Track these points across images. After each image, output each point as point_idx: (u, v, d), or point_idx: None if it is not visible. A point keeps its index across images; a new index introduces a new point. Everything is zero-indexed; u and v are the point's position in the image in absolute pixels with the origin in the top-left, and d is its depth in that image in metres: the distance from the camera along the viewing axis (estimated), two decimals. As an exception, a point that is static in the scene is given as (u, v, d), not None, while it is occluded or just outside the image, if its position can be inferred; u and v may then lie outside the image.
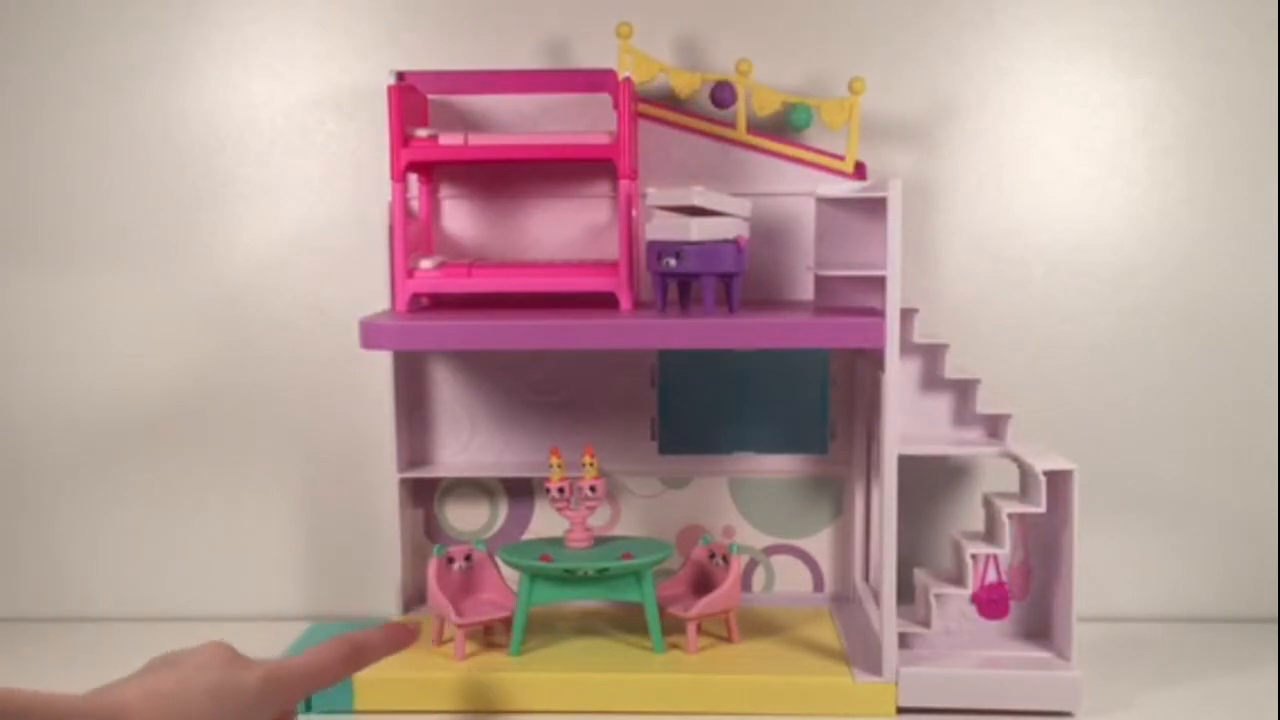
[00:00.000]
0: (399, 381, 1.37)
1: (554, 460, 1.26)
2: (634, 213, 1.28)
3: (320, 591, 1.49)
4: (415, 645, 1.26)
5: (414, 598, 1.41)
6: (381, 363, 1.37)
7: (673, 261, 1.19)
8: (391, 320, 1.21)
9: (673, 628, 1.27)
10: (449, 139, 1.26)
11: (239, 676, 0.89)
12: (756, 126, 1.35)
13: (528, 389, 1.42)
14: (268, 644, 1.35)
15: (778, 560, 1.43)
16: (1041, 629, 1.26)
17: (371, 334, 1.20)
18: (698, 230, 1.18)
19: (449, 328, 1.20)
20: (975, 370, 1.25)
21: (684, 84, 1.34)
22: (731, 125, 1.34)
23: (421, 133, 1.27)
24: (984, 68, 1.39)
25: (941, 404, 1.25)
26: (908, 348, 1.21)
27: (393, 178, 1.26)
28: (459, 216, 1.39)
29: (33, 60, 1.43)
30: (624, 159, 1.25)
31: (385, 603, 1.42)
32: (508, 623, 1.26)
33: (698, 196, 1.18)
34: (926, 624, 1.23)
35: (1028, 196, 1.41)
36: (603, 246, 1.38)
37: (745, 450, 1.41)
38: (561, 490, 1.25)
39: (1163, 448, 1.43)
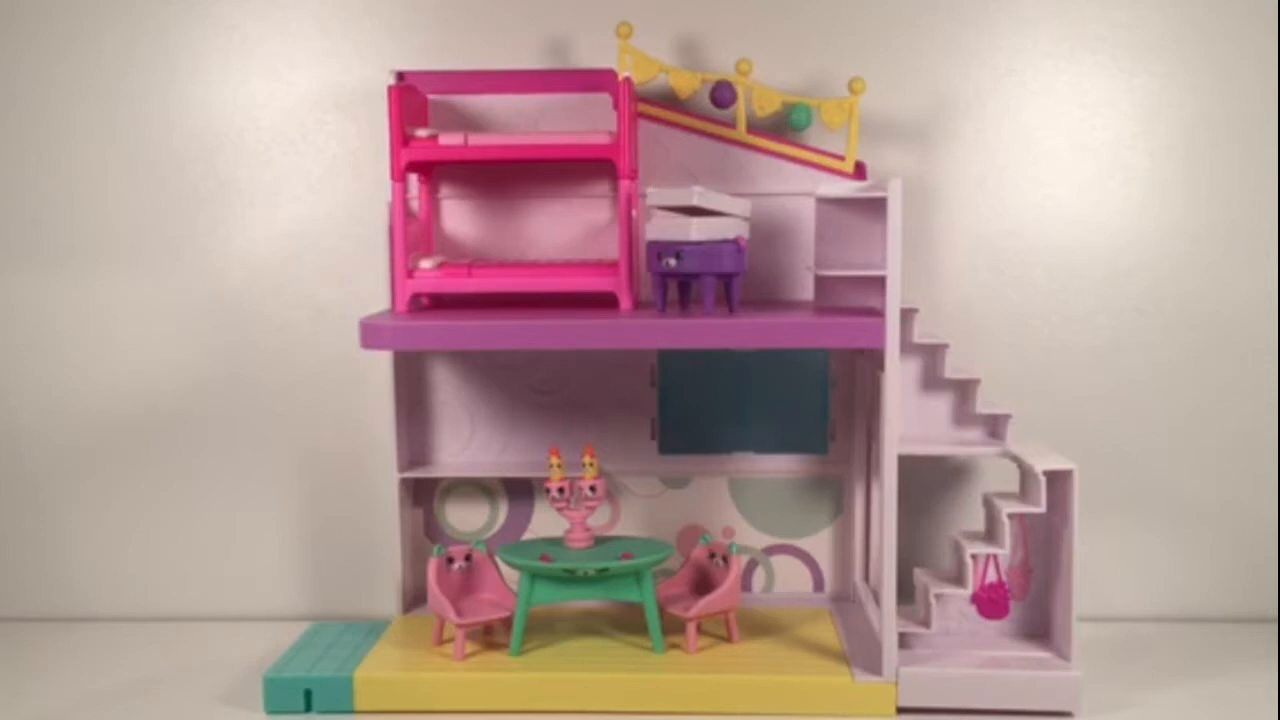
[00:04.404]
0: (399, 381, 1.37)
1: (554, 460, 1.26)
2: (634, 213, 1.28)
3: (320, 591, 1.49)
4: (415, 645, 1.27)
5: (414, 598, 1.41)
6: (381, 363, 1.37)
7: (673, 261, 1.19)
8: (391, 320, 1.21)
9: (673, 628, 1.27)
10: (449, 139, 1.26)
11: None
12: (756, 126, 1.35)
13: (528, 389, 1.42)
14: (268, 644, 1.36)
15: (778, 560, 1.43)
16: (1041, 629, 1.26)
17: (371, 334, 1.20)
18: (698, 230, 1.18)
19: (449, 328, 1.20)
20: (975, 370, 1.25)
21: (684, 84, 1.34)
22: (731, 125, 1.34)
23: (421, 133, 1.27)
24: (984, 68, 1.40)
25: (941, 404, 1.25)
26: (908, 348, 1.21)
27: (393, 178, 1.26)
28: (459, 216, 1.39)
29: (33, 60, 1.43)
30: (624, 159, 1.25)
31: (385, 603, 1.42)
32: (508, 623, 1.26)
33: (697, 196, 1.18)
34: (926, 624, 1.23)
35: (1028, 196, 1.41)
36: (603, 246, 1.38)
37: (745, 450, 1.41)
38: (561, 490, 1.25)
39: (1163, 448, 1.43)
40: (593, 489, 1.26)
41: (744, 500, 1.42)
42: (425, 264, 1.28)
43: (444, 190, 1.39)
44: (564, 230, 1.38)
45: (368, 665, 1.22)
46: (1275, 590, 1.44)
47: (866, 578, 1.40)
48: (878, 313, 1.16)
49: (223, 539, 1.49)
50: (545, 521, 1.43)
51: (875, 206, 1.18)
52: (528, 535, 1.44)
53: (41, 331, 1.47)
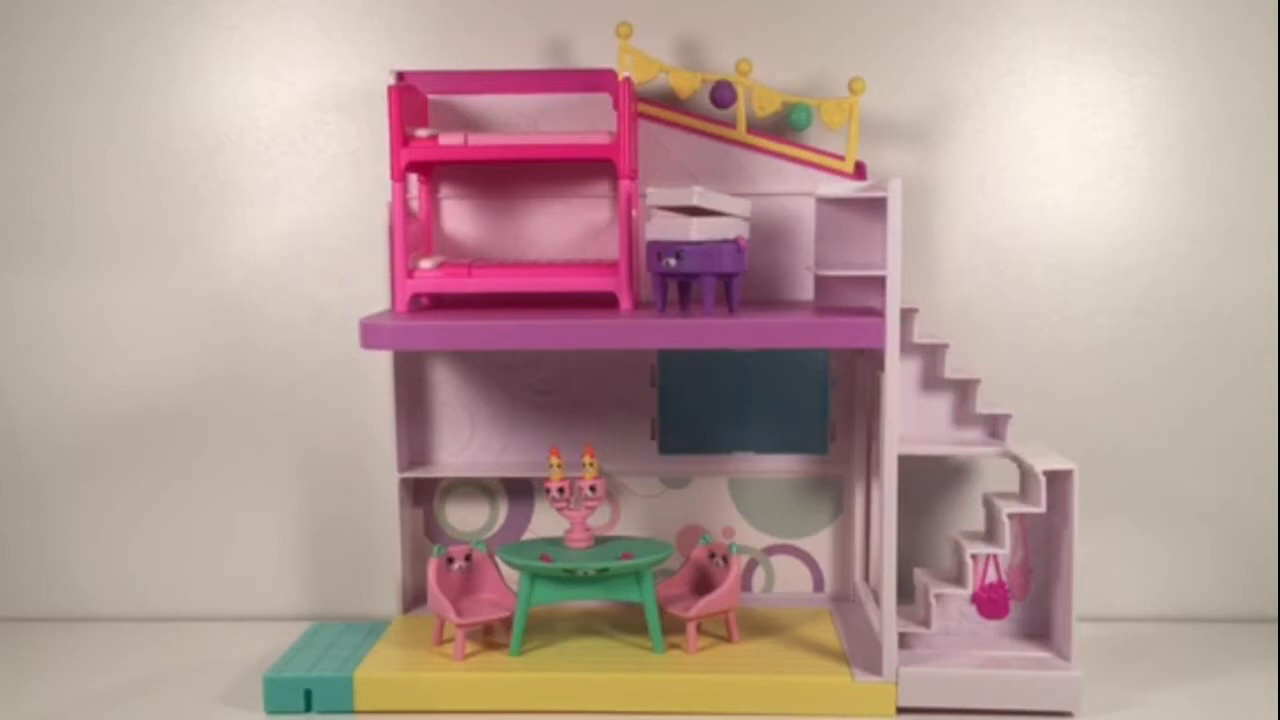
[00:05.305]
0: (399, 381, 1.37)
1: (554, 460, 1.26)
2: (634, 213, 1.28)
3: (320, 591, 1.49)
4: (415, 645, 1.27)
5: (414, 598, 1.41)
6: (381, 363, 1.37)
7: (673, 261, 1.19)
8: (391, 320, 1.21)
9: (673, 628, 1.27)
10: (449, 139, 1.26)
11: None
12: (756, 126, 1.35)
13: (528, 389, 1.42)
14: (268, 644, 1.36)
15: (778, 560, 1.43)
16: (1041, 629, 1.26)
17: (371, 334, 1.20)
18: (698, 230, 1.18)
19: (449, 328, 1.20)
20: (975, 370, 1.25)
21: (684, 84, 1.34)
22: (731, 125, 1.34)
23: (421, 133, 1.27)
24: (984, 68, 1.39)
25: (941, 404, 1.25)
26: (908, 348, 1.21)
27: (393, 178, 1.26)
28: (459, 216, 1.39)
29: (33, 60, 1.43)
30: (624, 159, 1.25)
31: (385, 603, 1.42)
32: (508, 623, 1.26)
33: (697, 196, 1.18)
34: (926, 624, 1.23)
35: (1028, 196, 1.41)
36: (603, 246, 1.38)
37: (745, 450, 1.41)
38: (561, 490, 1.25)
39: (1163, 448, 1.43)
40: (593, 489, 1.26)
41: (744, 500, 1.42)
42: (425, 264, 1.28)
43: (444, 190, 1.39)
44: (564, 230, 1.38)
45: (368, 665, 1.22)
46: (1275, 590, 1.44)
47: (866, 578, 1.40)
48: (878, 313, 1.16)
49: (223, 539, 1.49)
50: (545, 521, 1.43)
51: (875, 206, 1.18)
52: (528, 535, 1.44)
53: (41, 331, 1.47)
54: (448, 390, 1.42)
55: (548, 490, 1.26)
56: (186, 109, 1.43)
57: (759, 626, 1.31)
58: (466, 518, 1.44)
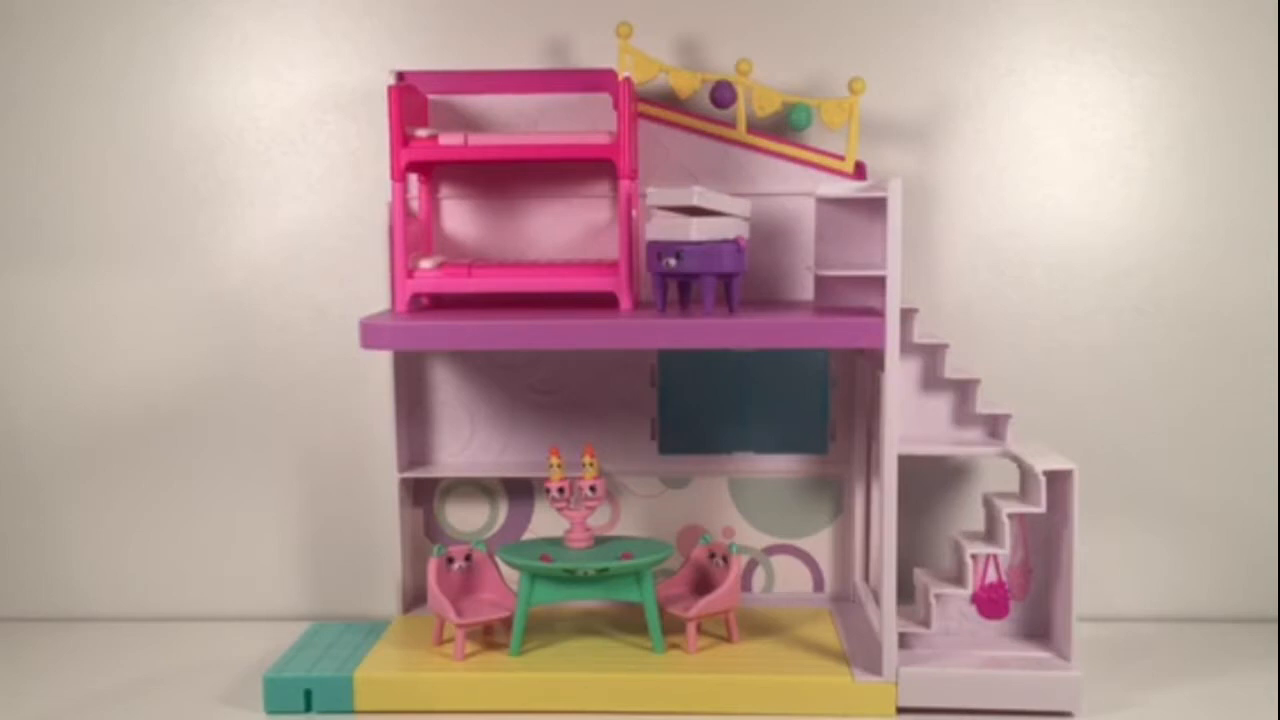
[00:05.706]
0: (399, 381, 1.37)
1: (554, 460, 1.26)
2: (634, 213, 1.28)
3: (320, 591, 1.49)
4: (415, 645, 1.27)
5: (414, 598, 1.41)
6: (381, 363, 1.37)
7: (673, 261, 1.19)
8: (391, 320, 1.21)
9: (673, 628, 1.27)
10: (449, 139, 1.26)
11: None
12: (756, 126, 1.35)
13: (528, 389, 1.42)
14: (268, 644, 1.36)
15: (778, 560, 1.43)
16: (1041, 629, 1.26)
17: (371, 334, 1.20)
18: (698, 230, 1.18)
19: (449, 328, 1.20)
20: (975, 370, 1.25)
21: (684, 84, 1.34)
22: (731, 125, 1.34)
23: (421, 133, 1.27)
24: (984, 68, 1.40)
25: (941, 404, 1.25)
26: (908, 348, 1.21)
27: (393, 178, 1.26)
28: (459, 216, 1.39)
29: (33, 60, 1.43)
30: (624, 159, 1.25)
31: (385, 603, 1.42)
32: (508, 623, 1.26)
33: (697, 196, 1.18)
34: (926, 624, 1.23)
35: (1028, 196, 1.41)
36: (603, 246, 1.38)
37: (745, 450, 1.41)
38: (561, 490, 1.25)
39: (1163, 448, 1.43)
40: (593, 489, 1.26)
41: (744, 500, 1.42)
42: (425, 264, 1.28)
43: (444, 190, 1.39)
44: (564, 230, 1.38)
45: (368, 665, 1.22)
46: (1275, 590, 1.44)
47: (866, 578, 1.40)
48: (878, 313, 1.16)
49: (223, 539, 1.49)
50: (545, 521, 1.43)
51: (875, 206, 1.18)
52: (528, 535, 1.44)
53: (41, 331, 1.47)
54: (448, 390, 1.42)
55: (548, 490, 1.26)
56: (186, 109, 1.43)
57: (759, 626, 1.31)
58: (466, 518, 1.44)
